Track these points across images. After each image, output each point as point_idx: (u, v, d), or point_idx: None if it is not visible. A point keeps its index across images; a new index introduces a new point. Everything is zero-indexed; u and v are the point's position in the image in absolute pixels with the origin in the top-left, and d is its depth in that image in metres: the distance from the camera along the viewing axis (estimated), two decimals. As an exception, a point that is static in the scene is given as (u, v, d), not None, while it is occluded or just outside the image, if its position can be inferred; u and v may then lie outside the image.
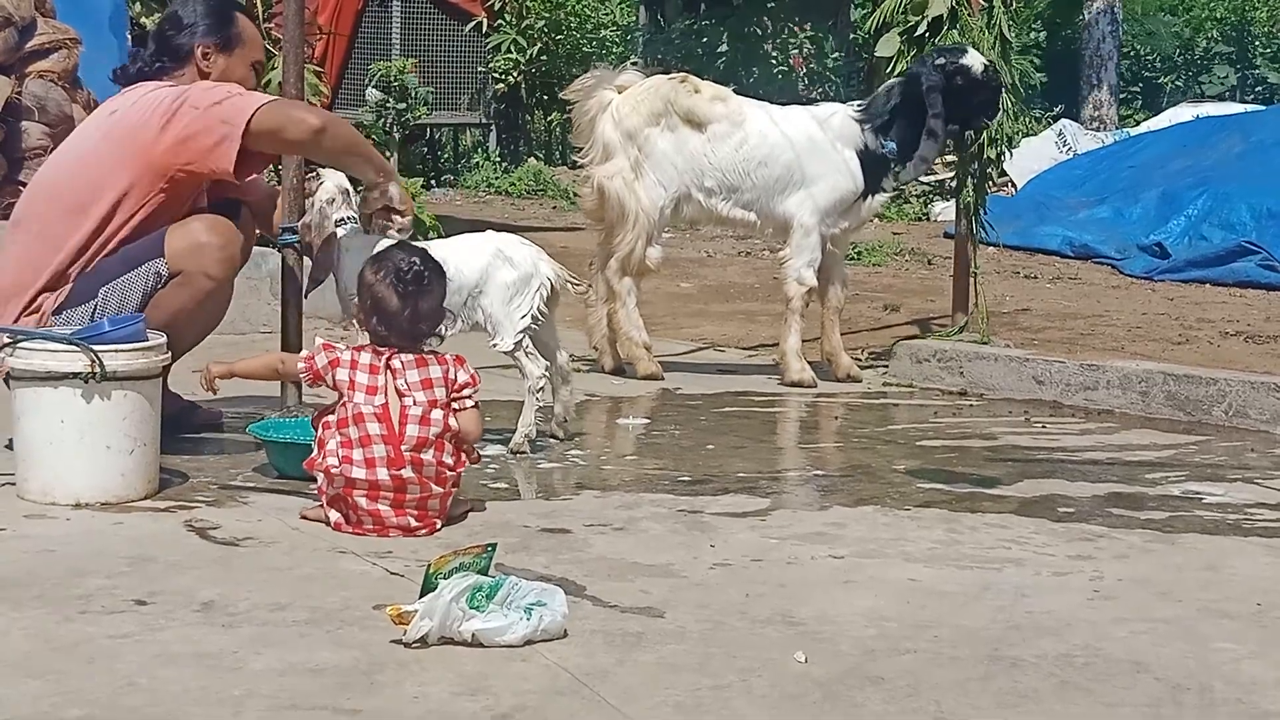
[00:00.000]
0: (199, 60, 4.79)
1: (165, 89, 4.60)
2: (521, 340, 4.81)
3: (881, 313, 8.33)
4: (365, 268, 4.14)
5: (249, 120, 4.46)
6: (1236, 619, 3.45)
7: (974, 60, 6.38)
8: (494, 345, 4.83)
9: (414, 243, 4.49)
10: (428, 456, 3.89)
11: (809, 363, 6.47)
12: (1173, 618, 3.45)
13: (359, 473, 3.85)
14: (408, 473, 3.86)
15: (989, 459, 5.12)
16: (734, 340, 7.57)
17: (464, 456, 4.01)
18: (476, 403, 4.04)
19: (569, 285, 4.94)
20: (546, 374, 4.88)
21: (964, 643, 3.21)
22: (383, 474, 3.85)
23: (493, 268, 4.79)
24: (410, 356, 3.97)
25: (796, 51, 15.59)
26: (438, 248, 4.67)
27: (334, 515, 3.91)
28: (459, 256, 4.75)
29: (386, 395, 3.92)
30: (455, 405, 3.98)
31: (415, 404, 3.91)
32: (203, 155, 4.49)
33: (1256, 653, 3.23)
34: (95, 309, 4.48)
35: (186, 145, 4.49)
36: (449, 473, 3.94)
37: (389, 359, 3.95)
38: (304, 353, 4.10)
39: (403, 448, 3.87)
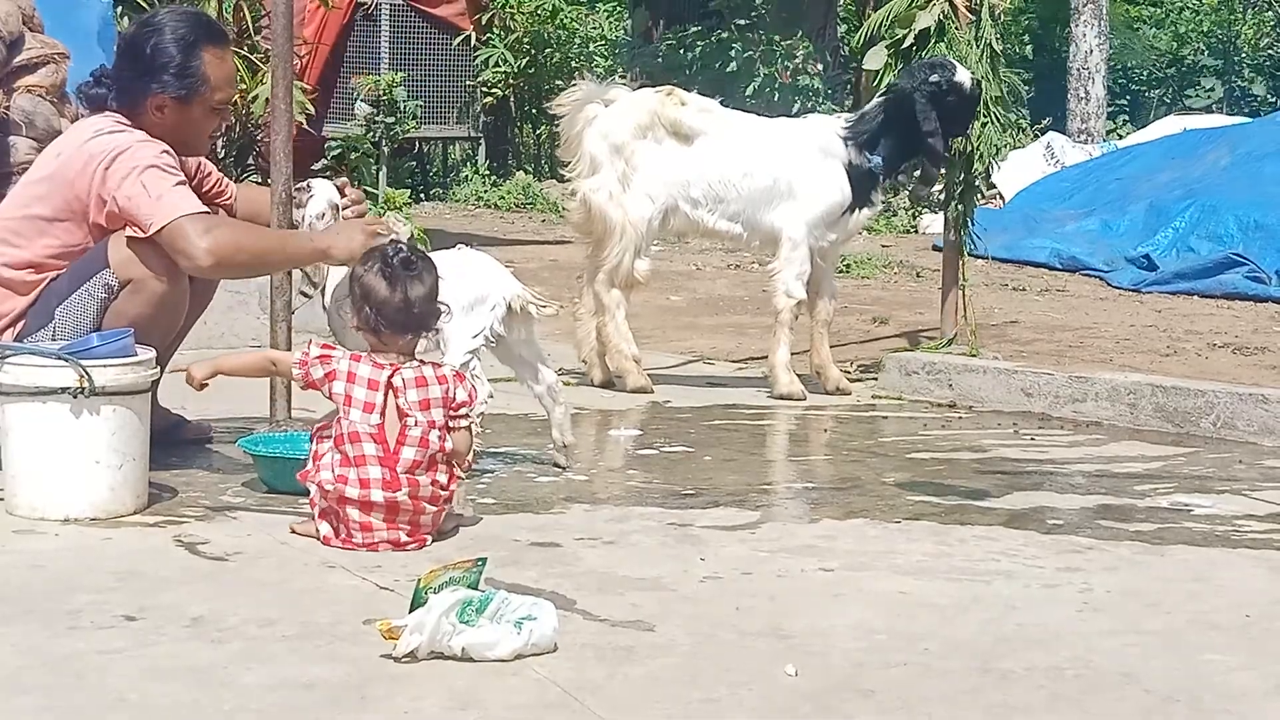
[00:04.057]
0: (152, 111, 4.57)
1: (111, 158, 4.43)
2: (469, 361, 4.66)
3: (870, 325, 8.34)
4: (355, 265, 4.11)
5: (161, 227, 4.34)
6: (1225, 630, 3.46)
7: (965, 76, 6.39)
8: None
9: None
10: (423, 479, 3.89)
11: (798, 375, 6.47)
12: (1162, 629, 3.46)
13: (353, 492, 3.84)
14: (402, 496, 3.85)
15: (978, 471, 5.13)
16: (723, 353, 7.57)
17: (456, 472, 4.01)
18: (471, 423, 4.03)
19: (531, 306, 4.74)
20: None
21: (954, 655, 3.22)
22: (377, 495, 3.84)
23: (450, 284, 4.70)
24: (411, 375, 3.94)
25: (782, 64, 15.61)
26: None
27: (324, 529, 3.91)
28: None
29: (384, 414, 3.90)
30: (451, 424, 3.97)
31: (415, 424, 3.90)
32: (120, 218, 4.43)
33: (1246, 664, 3.24)
34: (54, 331, 4.42)
35: (115, 216, 4.44)
36: (442, 491, 3.94)
37: (390, 377, 3.93)
38: (297, 354, 4.05)
39: (398, 469, 3.86)
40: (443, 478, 3.94)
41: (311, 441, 4.00)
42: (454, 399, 3.97)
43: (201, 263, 4.38)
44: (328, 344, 4.06)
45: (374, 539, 3.86)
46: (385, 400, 3.91)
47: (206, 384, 4.19)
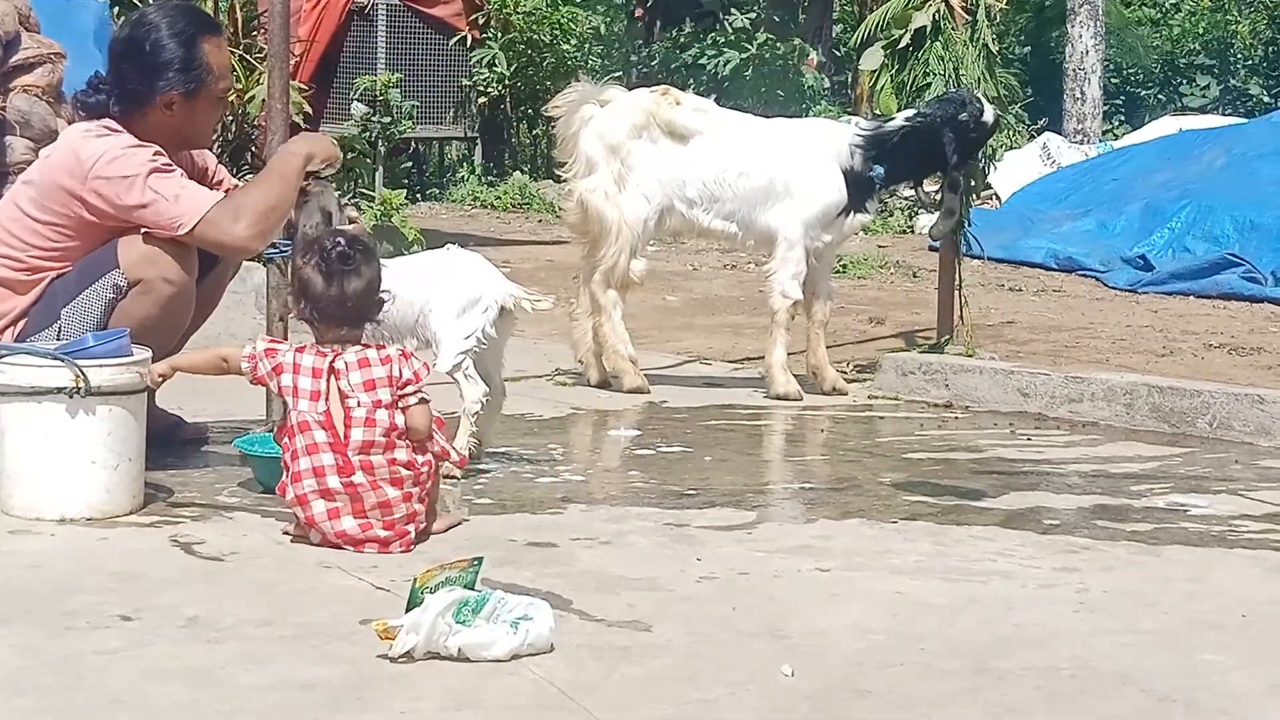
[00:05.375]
0: (162, 110, 4.59)
1: (105, 163, 4.44)
2: (462, 362, 4.67)
3: (867, 325, 8.34)
4: (294, 256, 4.08)
5: (193, 227, 4.41)
6: (1222, 630, 3.46)
7: (990, 115, 6.41)
8: (434, 364, 4.70)
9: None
10: (378, 459, 3.87)
11: (795, 376, 6.47)
12: (1158, 629, 3.46)
13: (310, 483, 3.83)
14: (359, 478, 3.84)
15: (975, 471, 5.13)
16: (720, 353, 7.57)
17: (423, 458, 3.94)
18: (423, 398, 3.97)
19: (524, 303, 4.73)
20: (486, 398, 4.83)
21: (951, 655, 3.22)
22: (333, 481, 3.83)
23: (440, 285, 4.67)
24: (354, 358, 3.92)
25: (778, 64, 15.63)
26: (394, 264, 4.64)
27: (314, 536, 3.90)
28: (411, 272, 4.69)
29: (329, 400, 3.89)
30: (400, 402, 3.93)
31: (359, 405, 3.88)
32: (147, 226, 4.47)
33: (1242, 664, 3.24)
34: (59, 332, 4.42)
35: (122, 219, 4.47)
36: (403, 470, 3.89)
37: (332, 361, 3.92)
38: (246, 350, 4.04)
39: (349, 452, 3.85)
40: (402, 456, 3.90)
41: (279, 442, 3.99)
42: (400, 376, 3.94)
43: (249, 246, 4.53)
44: (274, 339, 4.06)
45: (357, 542, 3.84)
46: (328, 386, 3.90)
47: (162, 380, 4.22)
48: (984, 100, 6.44)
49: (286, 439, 3.93)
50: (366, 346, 4.00)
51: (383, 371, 3.93)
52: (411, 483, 3.92)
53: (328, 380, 3.90)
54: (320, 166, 4.61)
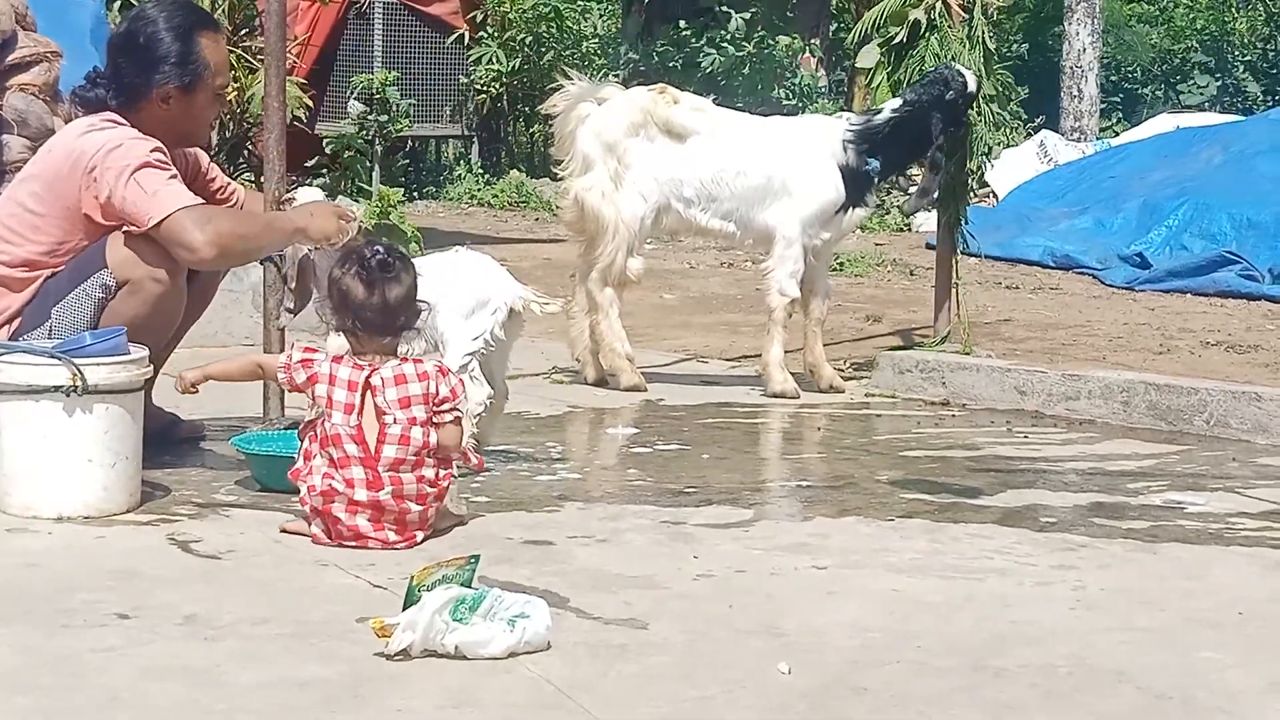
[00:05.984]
0: (158, 104, 4.60)
1: (104, 154, 4.44)
2: (468, 363, 4.69)
3: (864, 323, 8.34)
4: (332, 267, 4.10)
5: (160, 222, 4.38)
6: (1219, 628, 3.47)
7: (971, 79, 6.41)
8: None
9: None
10: (407, 476, 3.88)
11: (792, 374, 6.47)
12: (1155, 627, 3.47)
13: (338, 490, 3.84)
14: (384, 495, 3.85)
15: (971, 469, 5.13)
16: (717, 352, 7.57)
17: (445, 471, 3.97)
18: (458, 415, 4.02)
19: (533, 306, 4.76)
20: (489, 400, 4.82)
21: (948, 653, 3.22)
22: (361, 495, 3.84)
23: (449, 286, 4.67)
24: (390, 374, 3.93)
25: (775, 62, 15.62)
26: None
27: (315, 528, 3.91)
28: (420, 274, 4.69)
29: (362, 415, 3.90)
30: (435, 419, 3.96)
31: (395, 422, 3.89)
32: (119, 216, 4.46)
33: (1239, 661, 3.24)
34: (50, 330, 4.42)
35: (111, 213, 4.46)
36: (429, 489, 3.93)
37: (368, 377, 3.93)
38: (282, 359, 4.07)
39: (380, 468, 3.86)
40: (430, 473, 3.92)
41: (302, 440, 4.00)
42: (436, 394, 3.96)
43: (205, 254, 4.43)
44: (310, 347, 4.06)
45: (363, 538, 3.86)
46: (363, 400, 3.90)
47: (196, 389, 4.23)
48: (963, 71, 6.44)
49: (316, 446, 3.92)
50: (404, 361, 4.01)
51: (419, 389, 3.93)
52: (434, 499, 3.95)
53: (362, 395, 3.90)
54: (314, 246, 4.58)
